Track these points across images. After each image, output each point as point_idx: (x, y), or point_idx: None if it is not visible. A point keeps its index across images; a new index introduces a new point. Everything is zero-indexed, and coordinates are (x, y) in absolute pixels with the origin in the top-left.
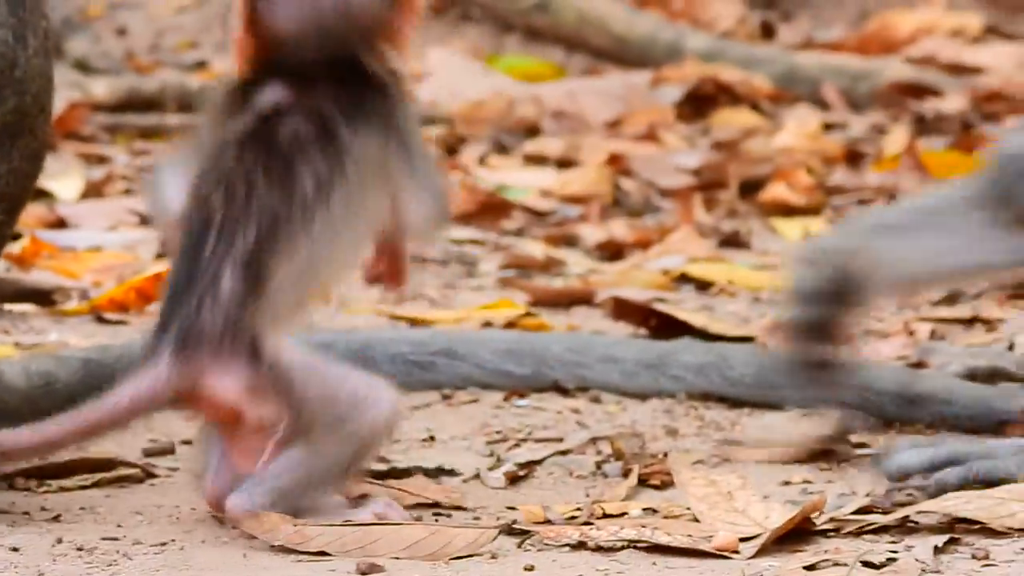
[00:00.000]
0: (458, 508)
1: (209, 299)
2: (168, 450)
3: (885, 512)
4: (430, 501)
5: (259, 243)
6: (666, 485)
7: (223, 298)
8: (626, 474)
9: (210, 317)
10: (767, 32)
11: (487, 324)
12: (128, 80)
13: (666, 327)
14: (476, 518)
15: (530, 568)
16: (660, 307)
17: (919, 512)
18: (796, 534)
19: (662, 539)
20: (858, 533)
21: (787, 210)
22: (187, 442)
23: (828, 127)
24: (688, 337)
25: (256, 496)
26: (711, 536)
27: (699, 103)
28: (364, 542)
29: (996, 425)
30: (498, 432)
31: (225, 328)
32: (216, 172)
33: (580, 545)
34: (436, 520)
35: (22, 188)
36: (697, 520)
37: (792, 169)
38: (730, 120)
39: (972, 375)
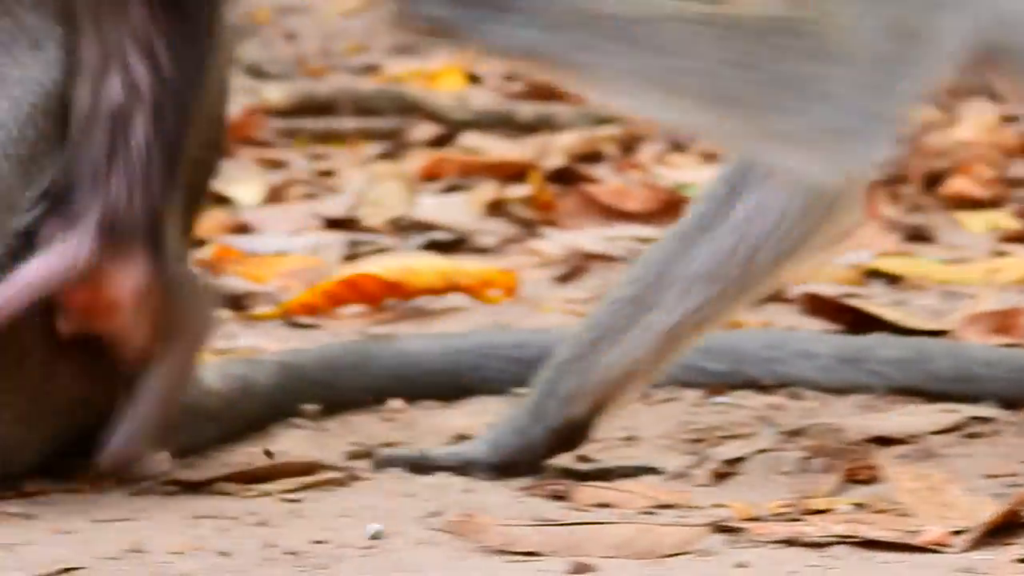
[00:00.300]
0: (665, 506)
1: (140, 186)
2: (370, 453)
3: None
4: (637, 500)
5: (181, 128)
6: (872, 480)
7: (153, 188)
8: (831, 470)
9: (140, 205)
10: None
11: None
12: (302, 85)
13: (859, 322)
14: (684, 516)
15: (743, 565)
16: (854, 302)
17: None
18: (1006, 527)
19: (872, 534)
20: None
21: (970, 203)
22: (388, 444)
23: (1005, 120)
24: (882, 332)
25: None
26: (920, 530)
27: None
28: (573, 542)
29: None
30: (698, 430)
31: (148, 219)
32: (118, 56)
33: (790, 541)
34: (644, 519)
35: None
36: (906, 515)
37: (972, 162)
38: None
39: None
